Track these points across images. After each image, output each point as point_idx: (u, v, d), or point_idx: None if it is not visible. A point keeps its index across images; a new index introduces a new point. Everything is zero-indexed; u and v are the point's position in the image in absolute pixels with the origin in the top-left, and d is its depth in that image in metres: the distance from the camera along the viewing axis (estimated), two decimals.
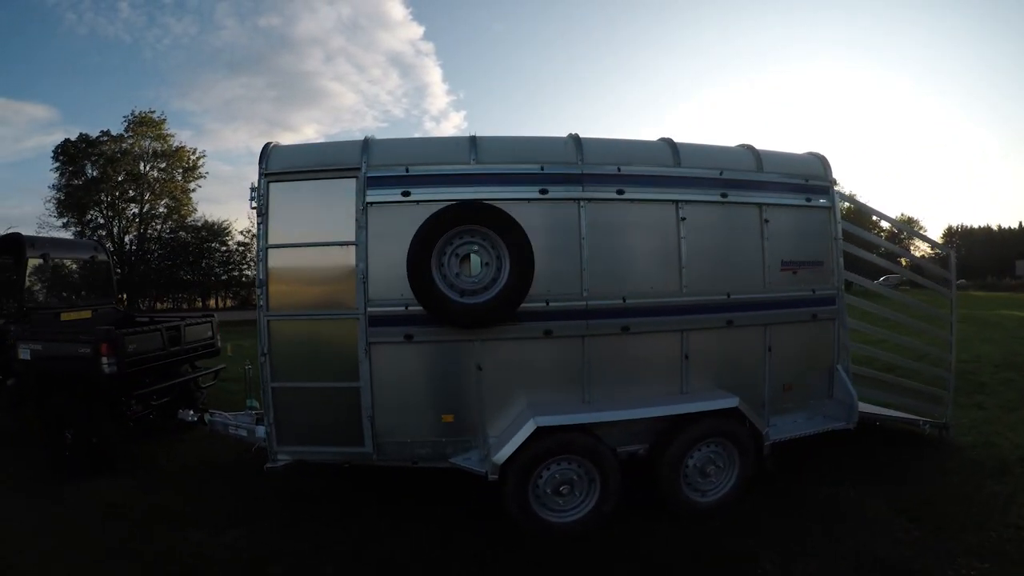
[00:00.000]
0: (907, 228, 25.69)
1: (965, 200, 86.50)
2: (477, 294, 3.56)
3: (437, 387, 3.66)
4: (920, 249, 32.85)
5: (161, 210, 26.84)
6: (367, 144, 3.75)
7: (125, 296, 24.79)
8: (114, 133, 25.46)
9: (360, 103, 52.19)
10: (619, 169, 3.85)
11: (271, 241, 3.65)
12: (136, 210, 26.25)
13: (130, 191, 25.86)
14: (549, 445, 3.44)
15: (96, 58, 44.92)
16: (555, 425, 3.44)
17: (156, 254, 26.17)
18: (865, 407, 4.77)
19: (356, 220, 3.60)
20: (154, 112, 26.72)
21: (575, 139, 3.92)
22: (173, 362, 5.49)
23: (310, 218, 3.72)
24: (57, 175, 25.22)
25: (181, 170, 27.09)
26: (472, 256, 3.59)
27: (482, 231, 3.57)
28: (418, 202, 3.61)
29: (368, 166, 3.66)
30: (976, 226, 47.86)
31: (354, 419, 3.64)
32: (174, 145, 26.94)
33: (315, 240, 3.68)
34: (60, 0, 42.26)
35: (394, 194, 3.63)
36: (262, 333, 3.66)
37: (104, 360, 4.55)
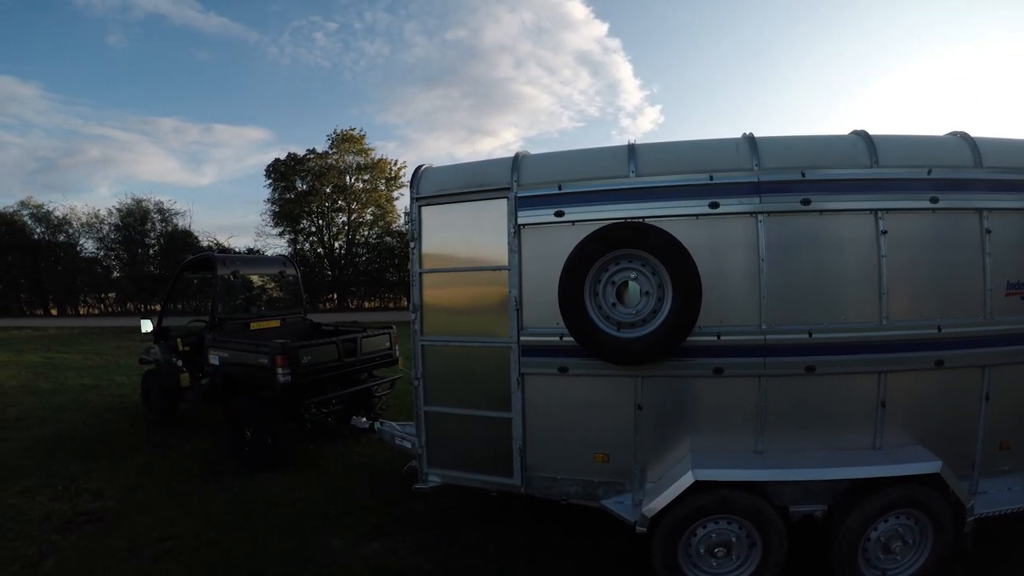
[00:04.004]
0: None
1: None
2: (635, 327, 3.22)
3: (591, 424, 3.41)
4: None
5: (367, 217, 28.77)
6: (517, 161, 3.51)
7: (335, 295, 27.43)
8: (319, 150, 27.70)
9: (555, 104, 53.67)
10: (803, 174, 3.25)
11: (424, 266, 3.59)
12: (344, 218, 28.45)
13: (338, 201, 28.04)
14: (706, 502, 3.07)
15: (300, 84, 50.82)
16: (716, 481, 3.06)
17: (364, 257, 28.07)
18: None
19: (508, 243, 3.41)
20: (354, 129, 28.54)
21: (749, 140, 3.38)
22: (351, 371, 5.79)
23: (463, 242, 3.61)
24: (270, 190, 27.96)
25: (384, 180, 28.83)
26: (630, 284, 3.26)
27: (641, 255, 3.22)
28: (573, 223, 3.33)
29: (519, 185, 3.42)
30: None
31: (504, 450, 3.53)
32: (375, 158, 28.72)
33: (467, 265, 3.56)
34: (262, 38, 49.35)
35: (546, 214, 3.37)
36: (416, 357, 3.64)
37: (279, 370, 4.91)
